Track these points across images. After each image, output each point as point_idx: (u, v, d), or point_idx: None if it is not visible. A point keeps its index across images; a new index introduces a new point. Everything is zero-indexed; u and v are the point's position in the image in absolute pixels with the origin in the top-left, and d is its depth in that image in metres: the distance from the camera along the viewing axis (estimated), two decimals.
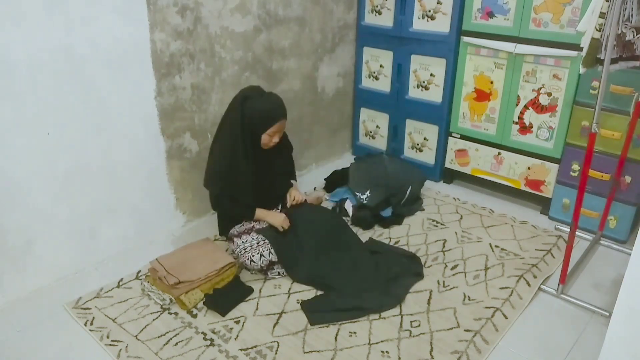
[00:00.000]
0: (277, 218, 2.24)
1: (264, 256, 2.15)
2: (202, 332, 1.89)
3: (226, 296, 2.06)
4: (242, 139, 2.14)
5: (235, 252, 2.23)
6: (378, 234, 2.54)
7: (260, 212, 2.26)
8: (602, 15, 1.74)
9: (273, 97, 2.20)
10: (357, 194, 2.72)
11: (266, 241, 2.18)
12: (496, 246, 2.44)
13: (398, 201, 2.71)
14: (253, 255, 2.15)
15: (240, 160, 2.15)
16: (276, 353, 1.80)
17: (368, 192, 2.70)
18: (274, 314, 1.99)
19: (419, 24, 2.92)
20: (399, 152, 3.25)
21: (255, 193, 2.25)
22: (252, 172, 2.20)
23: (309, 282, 2.15)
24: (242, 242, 2.21)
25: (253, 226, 2.27)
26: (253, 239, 2.20)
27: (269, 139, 2.17)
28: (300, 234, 2.23)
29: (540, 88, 2.58)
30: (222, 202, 2.26)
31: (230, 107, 2.20)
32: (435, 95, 2.98)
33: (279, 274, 2.21)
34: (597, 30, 1.77)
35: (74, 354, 1.80)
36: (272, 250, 2.17)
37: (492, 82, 2.74)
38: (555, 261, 2.33)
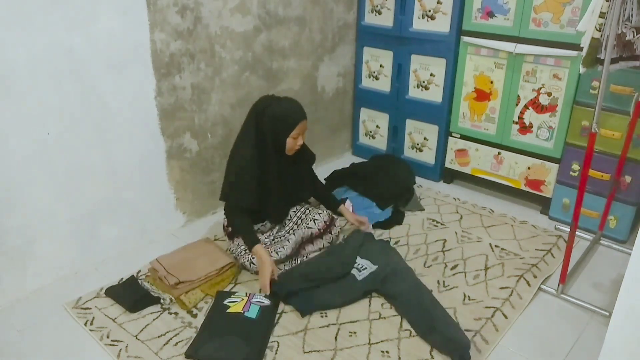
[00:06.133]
0: (265, 272, 2.03)
1: None
2: None
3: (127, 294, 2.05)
4: (260, 148, 2.12)
5: (235, 253, 2.22)
6: (378, 234, 2.54)
7: (259, 250, 2.07)
8: (602, 15, 1.74)
9: (290, 101, 2.18)
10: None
11: (267, 242, 2.16)
12: (496, 246, 2.44)
13: (399, 201, 2.71)
14: (253, 257, 2.14)
15: (254, 169, 2.12)
16: (276, 353, 1.79)
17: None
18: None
19: (419, 24, 2.92)
20: (399, 152, 3.25)
21: (274, 200, 2.20)
22: (271, 179, 2.15)
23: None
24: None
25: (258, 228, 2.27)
26: None
27: (293, 142, 2.14)
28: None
29: (540, 88, 2.58)
30: (234, 215, 2.18)
31: (245, 121, 2.19)
32: (435, 95, 2.98)
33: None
34: (597, 30, 1.77)
35: (74, 354, 1.80)
36: (273, 253, 2.15)
37: (492, 82, 2.74)
38: (555, 261, 2.33)
